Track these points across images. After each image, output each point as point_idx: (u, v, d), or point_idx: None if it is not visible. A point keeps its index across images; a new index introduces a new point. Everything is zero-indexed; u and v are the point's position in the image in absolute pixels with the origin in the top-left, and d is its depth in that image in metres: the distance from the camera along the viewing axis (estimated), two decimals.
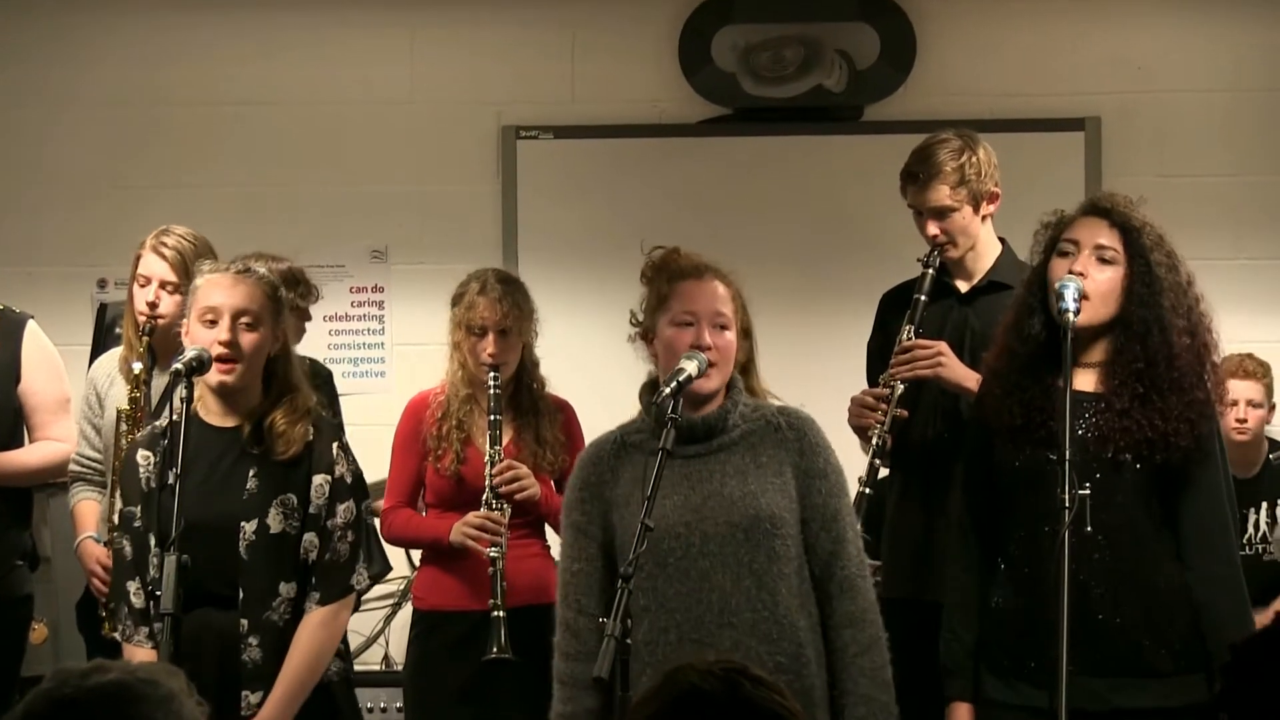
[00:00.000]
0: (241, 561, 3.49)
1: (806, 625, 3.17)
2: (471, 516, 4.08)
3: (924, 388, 3.88)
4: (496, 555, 4.01)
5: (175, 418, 3.36)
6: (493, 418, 4.09)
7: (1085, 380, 3.31)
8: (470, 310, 4.15)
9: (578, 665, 3.18)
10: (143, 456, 3.57)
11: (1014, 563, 3.35)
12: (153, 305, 4.15)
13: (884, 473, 3.91)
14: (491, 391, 4.11)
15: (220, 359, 3.49)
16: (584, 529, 3.25)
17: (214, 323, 3.51)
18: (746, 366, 3.68)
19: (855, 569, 3.21)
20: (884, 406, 3.82)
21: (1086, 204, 3.40)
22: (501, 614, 3.93)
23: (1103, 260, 3.29)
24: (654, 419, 3.17)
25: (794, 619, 3.15)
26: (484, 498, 4.09)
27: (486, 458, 4.10)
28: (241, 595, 3.50)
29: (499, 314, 4.14)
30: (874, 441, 3.80)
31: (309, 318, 4.52)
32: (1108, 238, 3.31)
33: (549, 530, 4.29)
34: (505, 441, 4.14)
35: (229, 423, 3.56)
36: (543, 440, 4.20)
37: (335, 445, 3.62)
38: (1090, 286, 3.27)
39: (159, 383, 4.11)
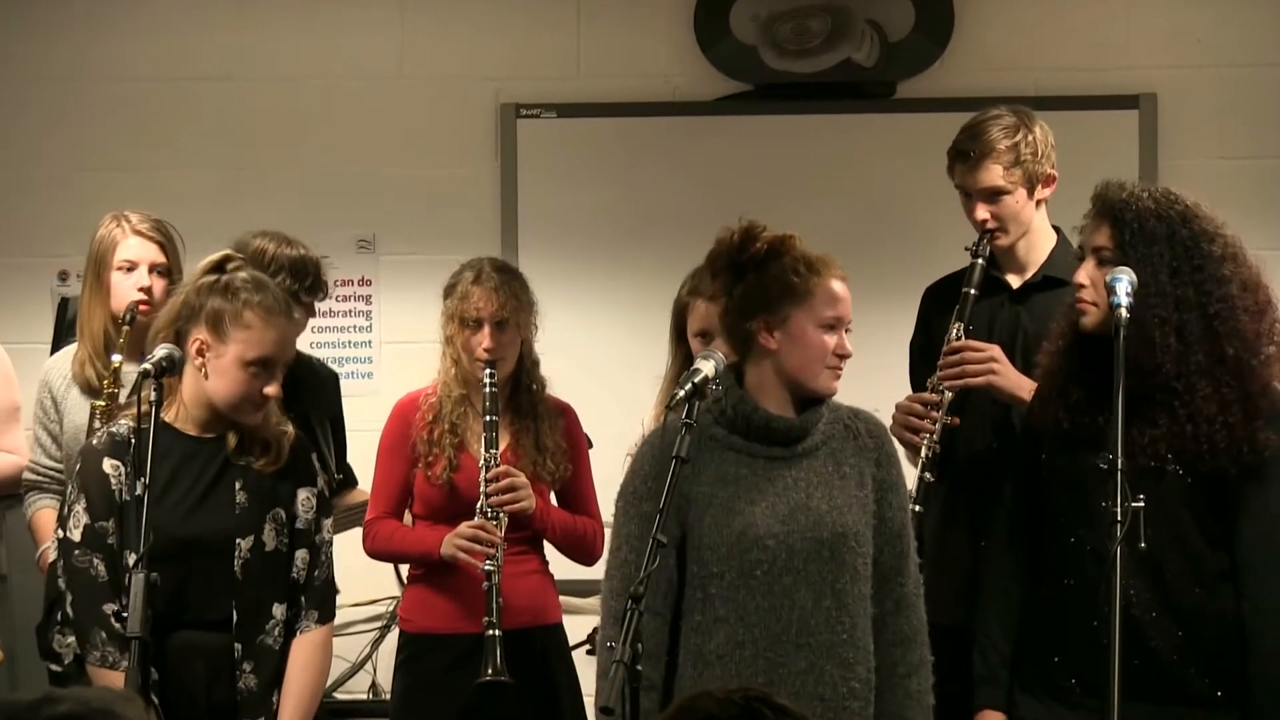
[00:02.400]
0: (236, 581, 3.51)
1: (870, 644, 3.27)
2: (464, 527, 4.05)
3: (972, 393, 3.86)
4: (491, 569, 3.99)
5: (143, 423, 3.37)
6: (488, 419, 4.08)
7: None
8: (464, 301, 4.14)
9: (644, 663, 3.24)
10: (111, 466, 3.55)
11: (1052, 574, 3.37)
12: (148, 291, 4.17)
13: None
14: (487, 390, 4.10)
15: (260, 404, 3.56)
16: (654, 521, 3.26)
17: (263, 375, 3.55)
18: None
19: (913, 587, 3.32)
20: (934, 414, 3.80)
21: (1090, 202, 3.41)
22: (497, 633, 3.91)
23: (1104, 263, 3.32)
24: (714, 422, 3.24)
25: (866, 641, 3.25)
26: (478, 506, 4.07)
27: (481, 462, 4.08)
28: (236, 618, 3.51)
29: (495, 304, 4.13)
30: (923, 453, 3.78)
31: (313, 314, 4.51)
32: (1101, 236, 3.34)
33: (548, 545, 4.28)
34: (502, 447, 4.13)
35: (208, 434, 3.58)
36: (543, 447, 4.19)
37: (314, 457, 3.69)
38: (1097, 293, 3.30)
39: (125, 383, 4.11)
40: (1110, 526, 3.07)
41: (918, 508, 3.71)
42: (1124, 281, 3.25)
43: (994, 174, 3.87)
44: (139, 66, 5.90)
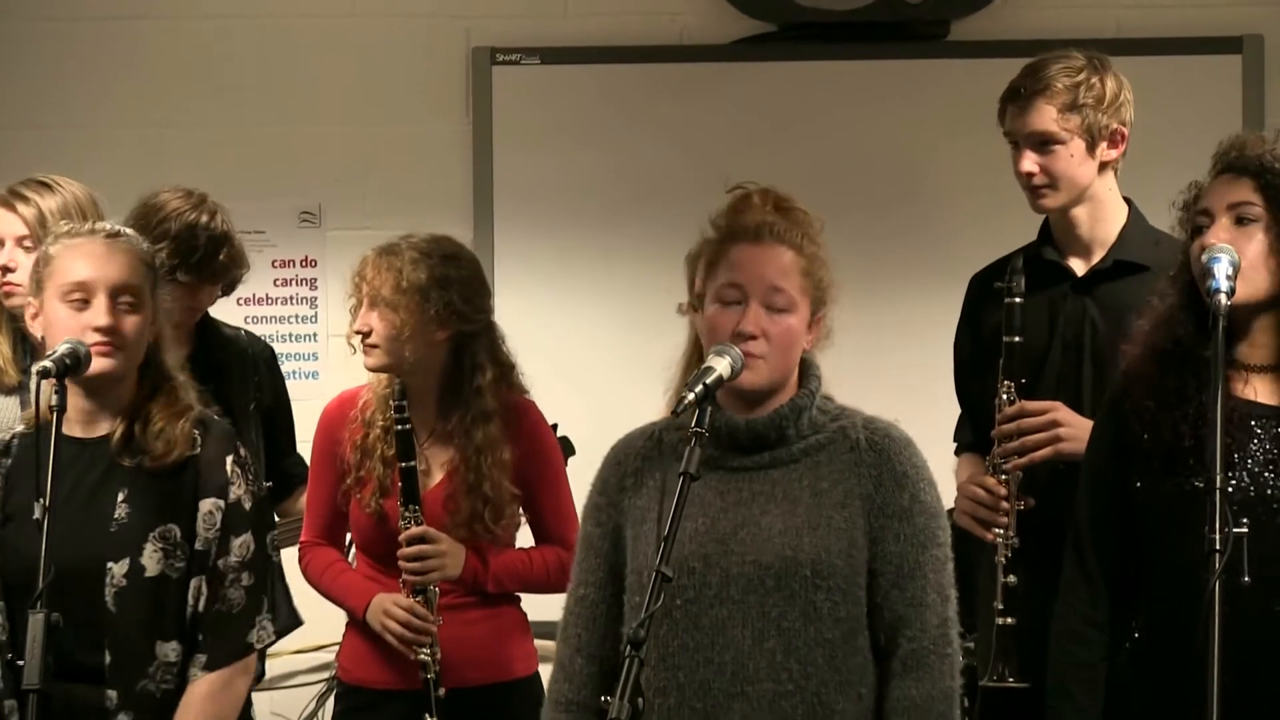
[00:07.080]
0: (108, 615, 3.47)
1: (852, 710, 3.15)
2: (395, 608, 4.04)
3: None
4: (426, 659, 4.00)
5: (41, 433, 3.35)
6: (404, 465, 4.02)
7: (1262, 389, 3.32)
8: (358, 275, 4.15)
9: (564, 718, 3.24)
10: None
11: (1148, 620, 3.36)
12: (6, 270, 4.19)
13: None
14: (392, 401, 4.06)
15: (98, 345, 3.50)
16: (595, 544, 3.28)
17: (85, 302, 3.51)
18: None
19: (930, 643, 3.17)
20: (1004, 504, 3.80)
21: (1214, 162, 3.38)
22: None
23: (1243, 220, 3.29)
24: (677, 426, 3.18)
25: (830, 698, 3.13)
26: (400, 579, 4.06)
27: (402, 520, 4.04)
28: (109, 659, 3.48)
29: (380, 281, 4.10)
30: (1000, 556, 3.77)
31: (214, 299, 4.49)
32: (1243, 192, 3.31)
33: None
34: (432, 484, 4.11)
35: (95, 433, 3.57)
36: (480, 493, 4.09)
37: (230, 459, 3.60)
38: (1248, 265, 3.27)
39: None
40: (1208, 557, 3.06)
41: (1009, 620, 3.72)
42: (1223, 262, 3.23)
43: (1045, 116, 3.86)
44: (34, 2, 5.90)
